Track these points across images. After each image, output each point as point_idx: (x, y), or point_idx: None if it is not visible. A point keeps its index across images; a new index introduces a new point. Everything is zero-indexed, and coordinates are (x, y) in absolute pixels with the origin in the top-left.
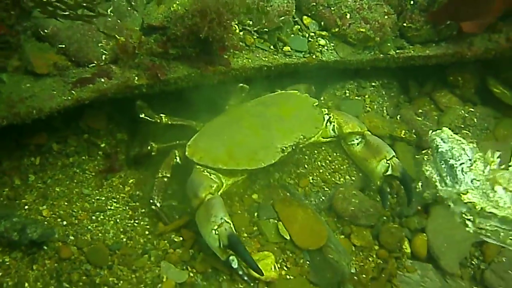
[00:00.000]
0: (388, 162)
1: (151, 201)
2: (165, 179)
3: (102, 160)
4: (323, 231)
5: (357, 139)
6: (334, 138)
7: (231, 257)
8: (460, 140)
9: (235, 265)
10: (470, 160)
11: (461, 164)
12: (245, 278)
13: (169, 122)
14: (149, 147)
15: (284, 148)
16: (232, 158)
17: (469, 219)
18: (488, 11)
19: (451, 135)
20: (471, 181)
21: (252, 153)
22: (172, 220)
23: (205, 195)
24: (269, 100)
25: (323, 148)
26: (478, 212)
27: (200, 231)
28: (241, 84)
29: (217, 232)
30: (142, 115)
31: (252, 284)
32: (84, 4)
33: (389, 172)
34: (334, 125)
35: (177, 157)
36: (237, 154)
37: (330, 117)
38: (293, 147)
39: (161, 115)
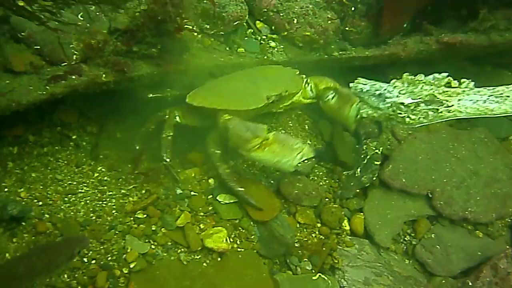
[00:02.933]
0: (357, 105)
1: (162, 158)
2: (169, 137)
3: (74, 150)
4: (276, 203)
5: (331, 93)
6: (313, 100)
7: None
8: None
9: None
10: (389, 85)
11: (384, 89)
12: None
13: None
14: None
15: (269, 96)
16: (224, 101)
17: (406, 116)
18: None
19: (366, 80)
20: (399, 92)
21: (242, 99)
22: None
23: (266, 132)
24: (256, 68)
25: None
26: (409, 106)
27: (275, 163)
28: None
29: (303, 153)
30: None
31: None
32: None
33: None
34: (311, 85)
35: (177, 116)
36: (228, 99)
37: (307, 79)
38: (277, 98)
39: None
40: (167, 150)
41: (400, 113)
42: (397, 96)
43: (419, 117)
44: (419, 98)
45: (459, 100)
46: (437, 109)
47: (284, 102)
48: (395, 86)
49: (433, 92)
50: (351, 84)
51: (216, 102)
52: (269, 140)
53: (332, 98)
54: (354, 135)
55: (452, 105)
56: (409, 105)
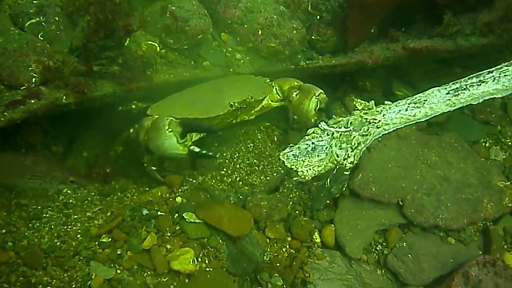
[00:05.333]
0: (317, 97)
1: (146, 167)
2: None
3: None
4: (248, 214)
5: (295, 92)
6: (282, 102)
7: (191, 147)
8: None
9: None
10: (312, 134)
11: (312, 142)
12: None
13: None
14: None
15: (232, 104)
16: (186, 110)
17: (345, 149)
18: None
19: (290, 147)
20: (325, 134)
21: (204, 107)
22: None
23: (149, 121)
24: (224, 78)
25: (241, 150)
26: (341, 138)
27: (161, 151)
28: None
29: (170, 130)
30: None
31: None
32: None
33: (318, 106)
34: (276, 87)
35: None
36: (191, 108)
37: (272, 83)
38: (241, 105)
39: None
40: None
41: (340, 150)
42: (328, 136)
43: (355, 144)
44: (348, 128)
45: (383, 115)
46: (367, 130)
47: (253, 108)
48: (320, 133)
49: (360, 114)
50: (282, 158)
51: (178, 111)
52: (148, 128)
53: (296, 95)
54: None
55: (379, 121)
56: (342, 136)
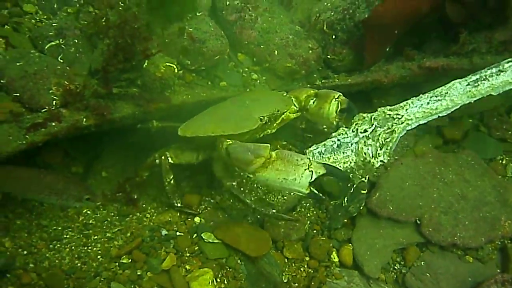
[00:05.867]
0: (337, 99)
1: (173, 205)
2: (172, 182)
3: None
4: (266, 234)
5: (312, 100)
6: (299, 113)
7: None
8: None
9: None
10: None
11: (337, 139)
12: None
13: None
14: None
15: (262, 117)
16: (218, 127)
17: (372, 145)
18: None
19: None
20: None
21: (236, 123)
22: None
23: (269, 151)
24: (243, 94)
25: None
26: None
27: (281, 182)
28: None
29: (311, 169)
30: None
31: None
32: None
33: (340, 107)
34: (292, 99)
35: (169, 158)
36: (222, 125)
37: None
38: (270, 118)
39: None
40: (174, 195)
41: (366, 147)
42: (353, 133)
43: (381, 141)
44: (372, 124)
45: (406, 110)
46: (391, 126)
47: (276, 121)
48: (345, 130)
49: (383, 110)
50: (307, 154)
51: (210, 129)
52: (272, 158)
53: (313, 103)
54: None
55: (402, 116)
56: (367, 134)
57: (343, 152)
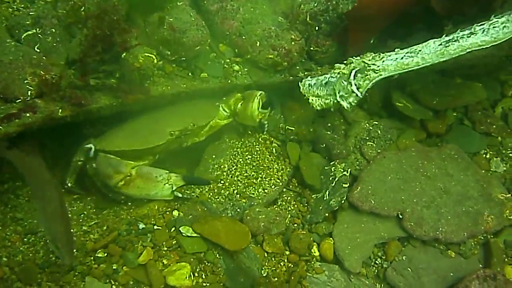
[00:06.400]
0: (258, 97)
1: (65, 182)
2: (79, 163)
3: None
4: (245, 228)
5: (240, 102)
6: (229, 119)
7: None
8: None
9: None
10: (331, 73)
11: (328, 77)
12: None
13: None
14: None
15: (173, 132)
16: (125, 143)
17: (348, 88)
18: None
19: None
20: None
21: (143, 138)
22: None
23: (129, 168)
24: (166, 107)
25: (239, 163)
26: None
27: (144, 196)
28: None
29: (170, 183)
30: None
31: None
32: None
33: (261, 104)
34: (221, 106)
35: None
36: (130, 140)
37: (218, 104)
38: (182, 133)
39: None
40: (72, 175)
41: (344, 88)
42: (339, 75)
43: (357, 85)
44: (354, 69)
45: (382, 61)
46: (367, 73)
47: (201, 130)
48: (336, 72)
49: (363, 59)
50: (300, 84)
51: (117, 144)
52: (132, 176)
53: (241, 105)
54: (259, 126)
55: (378, 66)
56: (344, 76)
57: (326, 90)
